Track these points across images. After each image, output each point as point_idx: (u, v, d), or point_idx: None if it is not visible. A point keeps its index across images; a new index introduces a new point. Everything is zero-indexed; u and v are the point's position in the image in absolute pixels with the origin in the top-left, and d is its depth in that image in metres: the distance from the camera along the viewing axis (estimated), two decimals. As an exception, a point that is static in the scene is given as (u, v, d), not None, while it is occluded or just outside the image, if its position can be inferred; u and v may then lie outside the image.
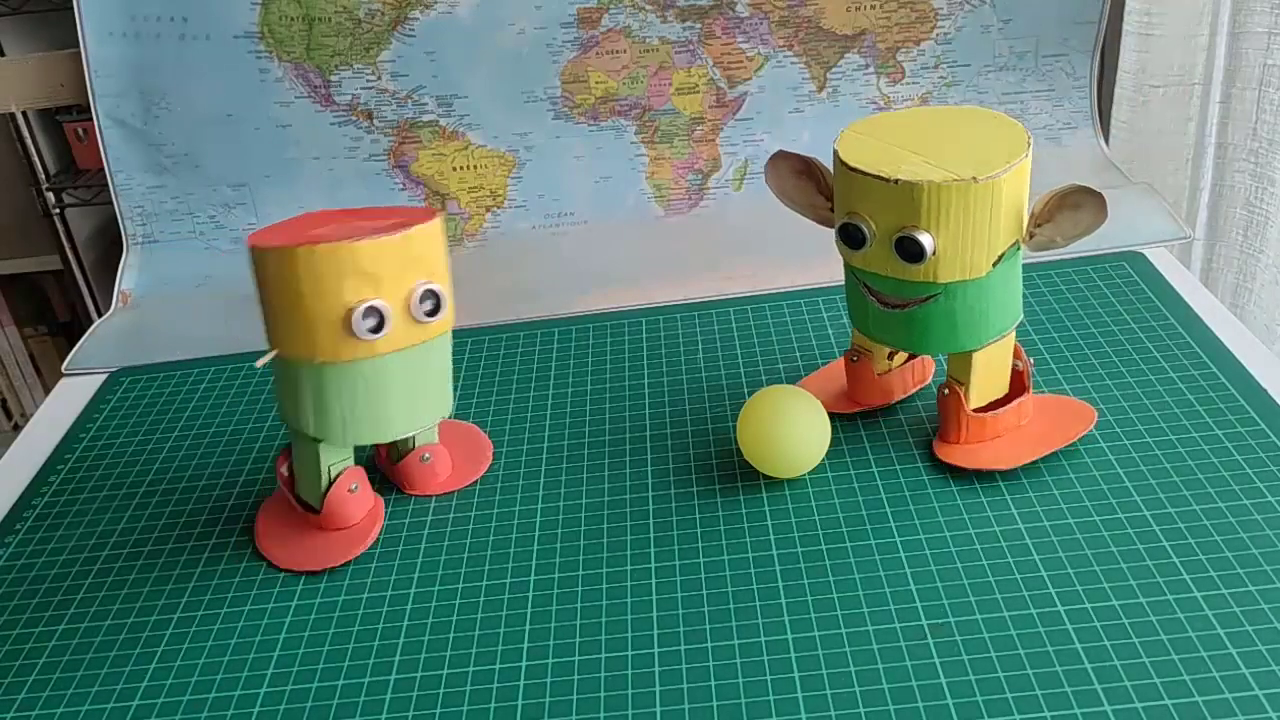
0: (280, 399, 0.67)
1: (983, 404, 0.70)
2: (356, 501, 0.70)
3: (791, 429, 0.68)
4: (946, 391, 0.70)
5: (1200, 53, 1.03)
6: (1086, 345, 0.80)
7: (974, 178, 0.60)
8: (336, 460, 0.69)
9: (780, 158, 0.70)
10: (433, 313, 0.64)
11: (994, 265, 0.63)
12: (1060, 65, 1.09)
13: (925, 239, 0.62)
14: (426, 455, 0.74)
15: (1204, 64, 1.03)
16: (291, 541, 0.70)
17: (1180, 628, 0.57)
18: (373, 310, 0.62)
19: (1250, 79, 0.99)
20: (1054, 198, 0.62)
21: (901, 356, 0.75)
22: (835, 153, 0.66)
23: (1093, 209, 0.61)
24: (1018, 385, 0.71)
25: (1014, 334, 0.69)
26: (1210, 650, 0.55)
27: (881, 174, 0.62)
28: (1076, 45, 1.08)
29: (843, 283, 0.93)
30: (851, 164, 0.64)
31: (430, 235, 0.63)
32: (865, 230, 0.64)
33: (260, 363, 0.64)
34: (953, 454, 0.70)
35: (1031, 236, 0.63)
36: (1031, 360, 0.72)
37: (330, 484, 0.69)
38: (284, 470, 0.72)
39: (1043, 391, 0.75)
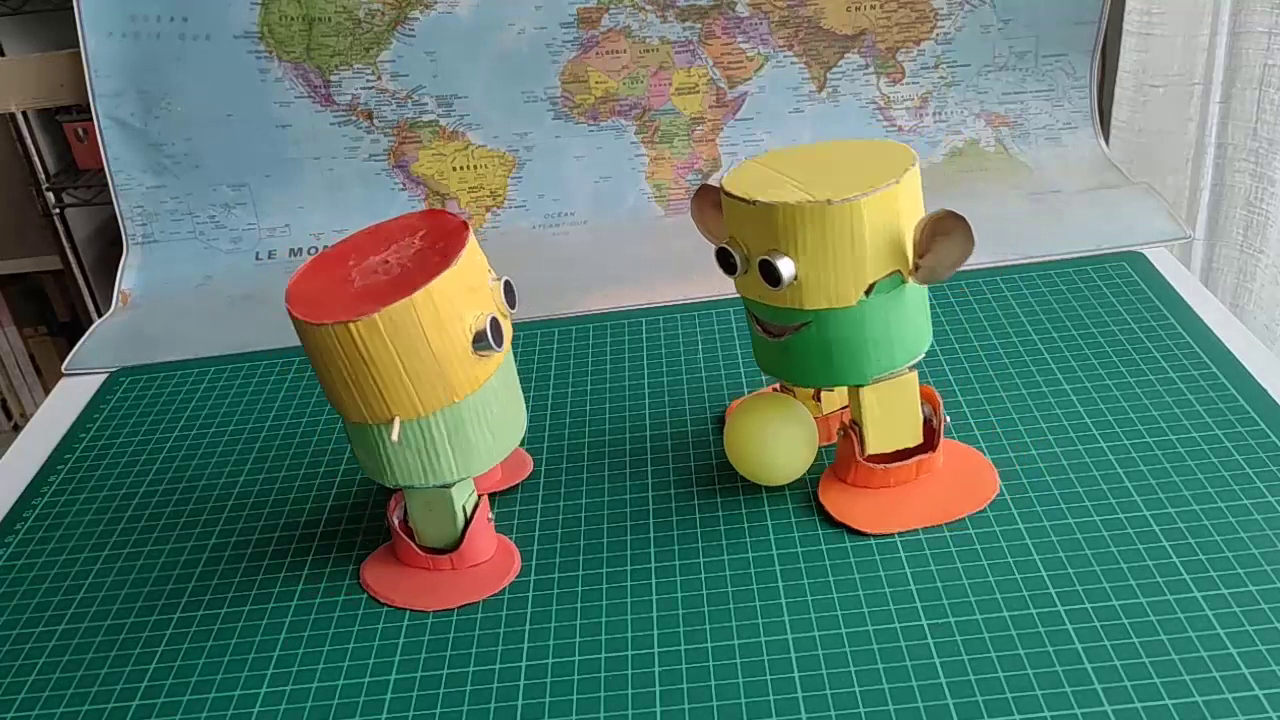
0: (392, 468, 0.62)
1: (883, 451, 0.67)
2: (490, 531, 0.68)
3: (776, 443, 0.67)
4: (841, 435, 0.68)
5: (1200, 53, 1.03)
6: (1086, 345, 0.80)
7: (828, 200, 0.59)
8: (466, 497, 0.66)
9: (703, 191, 0.68)
10: (512, 303, 0.63)
11: (866, 295, 0.61)
12: (1060, 65, 1.09)
13: (783, 263, 0.61)
14: None
15: (1204, 64, 1.03)
16: (414, 586, 0.66)
17: (1180, 628, 0.57)
18: (494, 322, 0.60)
19: (1250, 79, 0.99)
20: (927, 224, 0.60)
21: (833, 401, 0.73)
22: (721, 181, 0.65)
23: (961, 237, 0.59)
24: (929, 439, 0.68)
25: (915, 377, 0.66)
26: (1210, 650, 0.55)
27: (746, 197, 0.61)
28: (1076, 45, 1.08)
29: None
30: (727, 189, 0.63)
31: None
32: (737, 256, 0.63)
33: (395, 436, 0.60)
34: (832, 497, 0.68)
35: (916, 269, 0.61)
36: (948, 418, 0.69)
37: (468, 520, 0.66)
38: (395, 519, 0.68)
39: (953, 436, 0.70)
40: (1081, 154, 1.09)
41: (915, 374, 0.66)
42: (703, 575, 0.64)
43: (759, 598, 0.62)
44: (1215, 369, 0.76)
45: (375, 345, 0.58)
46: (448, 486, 0.64)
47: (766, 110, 1.10)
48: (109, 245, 1.26)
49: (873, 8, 1.07)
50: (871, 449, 0.67)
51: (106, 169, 1.10)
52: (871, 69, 1.09)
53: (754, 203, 0.61)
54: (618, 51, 1.08)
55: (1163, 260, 0.91)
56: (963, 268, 0.93)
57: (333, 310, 0.58)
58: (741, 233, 0.63)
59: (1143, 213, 0.99)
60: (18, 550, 0.74)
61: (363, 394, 0.60)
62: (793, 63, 1.09)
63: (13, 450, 0.87)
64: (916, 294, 0.64)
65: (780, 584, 0.63)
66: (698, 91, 1.09)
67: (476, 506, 0.66)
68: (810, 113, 1.10)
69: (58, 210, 1.25)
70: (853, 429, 0.67)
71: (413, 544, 0.67)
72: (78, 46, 1.07)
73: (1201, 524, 0.63)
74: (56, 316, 1.52)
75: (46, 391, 1.27)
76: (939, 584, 0.61)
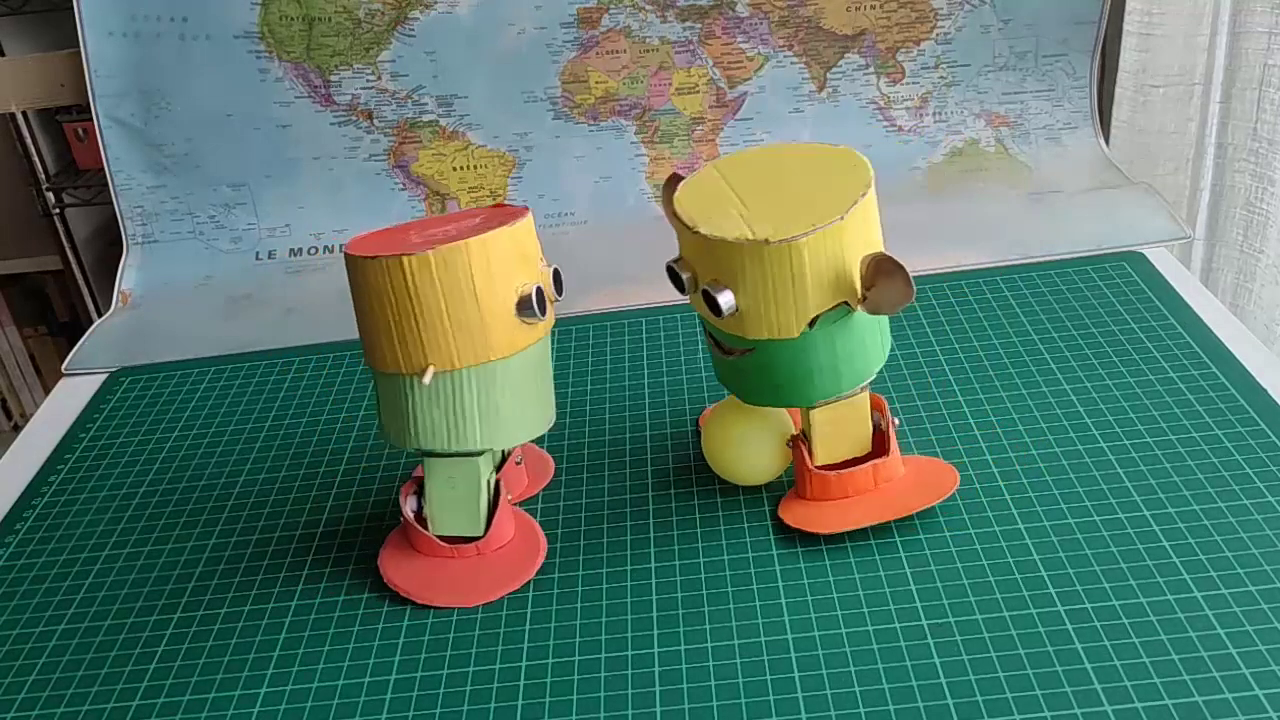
0: (416, 426, 0.62)
1: (834, 461, 0.66)
2: (510, 513, 0.67)
3: (743, 448, 0.67)
4: (791, 445, 0.68)
5: (1200, 53, 1.03)
6: (1086, 345, 0.80)
7: (766, 240, 0.58)
8: (490, 474, 0.65)
9: (671, 181, 0.67)
10: (559, 292, 0.64)
11: (810, 327, 0.61)
12: (1060, 65, 1.09)
13: (723, 295, 0.60)
14: (520, 458, 0.72)
15: (1204, 64, 1.03)
16: (443, 579, 0.65)
17: (1180, 628, 0.57)
18: (540, 291, 0.62)
19: (1250, 79, 0.99)
20: (870, 264, 0.59)
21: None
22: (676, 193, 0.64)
23: (900, 281, 0.58)
24: (880, 445, 0.67)
25: (865, 395, 0.65)
26: (1210, 650, 0.55)
27: (690, 224, 0.61)
28: (1076, 45, 1.08)
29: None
30: (676, 206, 0.62)
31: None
32: (683, 277, 0.63)
33: (427, 379, 0.60)
34: (793, 512, 0.67)
35: (863, 300, 0.60)
36: (896, 420, 0.68)
37: (494, 501, 0.65)
38: (409, 509, 0.67)
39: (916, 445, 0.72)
40: (1081, 154, 1.09)
41: (866, 392, 0.65)
42: (703, 575, 0.64)
43: (759, 597, 0.62)
44: (1215, 369, 0.76)
45: (423, 282, 0.59)
46: (471, 456, 0.63)
47: (766, 110, 1.10)
48: (109, 245, 1.26)
49: (873, 8, 1.07)
50: (820, 460, 0.67)
51: (106, 169, 1.10)
52: (871, 69, 1.09)
53: (696, 232, 0.60)
54: (618, 51, 1.08)
55: (1163, 260, 0.91)
56: (963, 267, 0.94)
57: (387, 251, 0.60)
58: (688, 254, 0.63)
59: (1143, 213, 0.99)
60: (18, 550, 0.74)
61: (402, 336, 0.61)
62: (793, 63, 1.09)
63: (13, 450, 0.87)
64: (866, 320, 0.63)
65: (780, 584, 0.63)
66: (698, 91, 1.09)
67: (497, 489, 0.66)
68: (810, 113, 1.10)
69: (58, 210, 1.25)
70: (801, 441, 0.67)
71: (429, 534, 0.66)
72: (78, 46, 1.07)
73: (1201, 524, 0.63)
74: (56, 316, 1.52)
75: (46, 391, 1.27)
76: (939, 584, 0.61)
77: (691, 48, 1.08)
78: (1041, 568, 0.61)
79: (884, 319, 0.65)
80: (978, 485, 0.68)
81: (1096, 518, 0.64)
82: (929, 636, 0.58)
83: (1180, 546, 0.62)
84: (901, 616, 0.60)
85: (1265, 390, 0.73)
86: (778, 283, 0.59)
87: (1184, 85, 1.05)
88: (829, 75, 1.09)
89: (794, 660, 0.58)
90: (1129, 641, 0.56)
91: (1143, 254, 0.92)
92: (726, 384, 0.67)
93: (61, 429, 0.88)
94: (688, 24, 1.07)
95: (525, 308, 0.61)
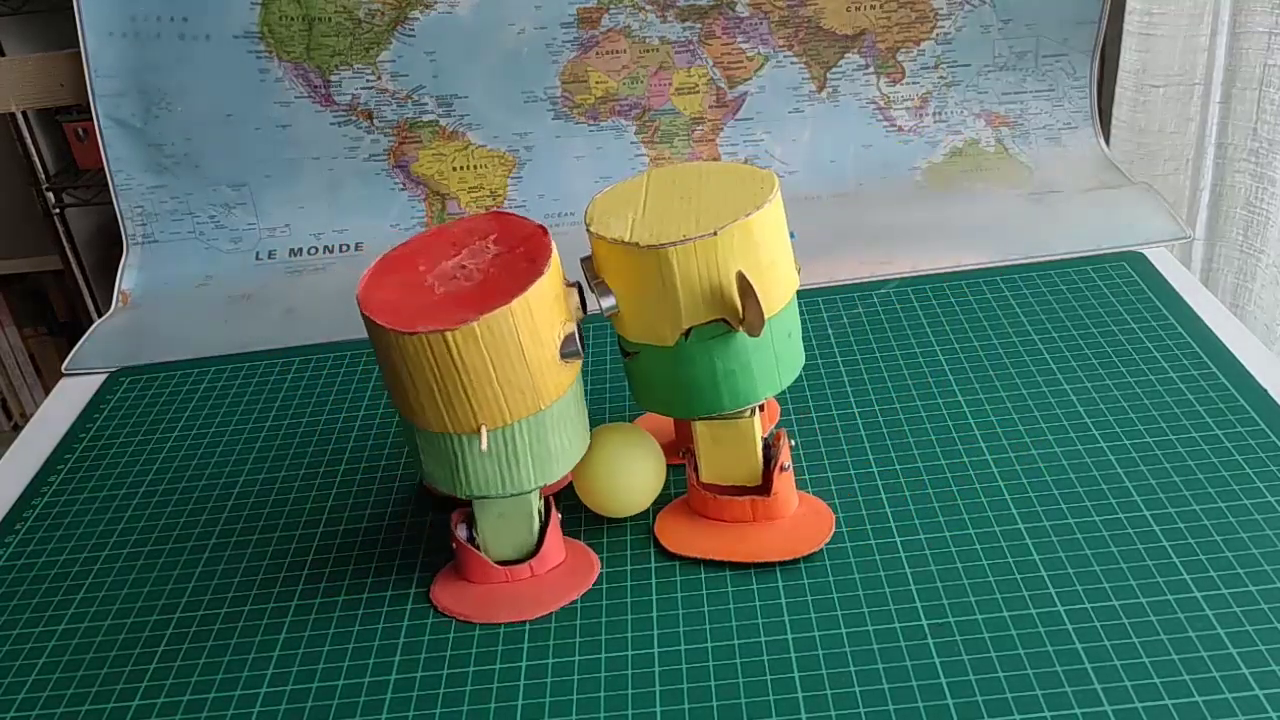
0: (468, 478, 0.61)
1: (720, 483, 0.66)
2: (560, 533, 0.67)
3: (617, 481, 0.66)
4: (683, 454, 0.68)
5: (1200, 53, 1.03)
6: (1086, 345, 0.80)
7: (636, 243, 0.59)
8: (539, 502, 0.65)
9: None
10: (584, 310, 0.63)
11: (684, 338, 0.61)
12: (1060, 65, 1.09)
13: (603, 294, 0.62)
14: None
15: (1204, 64, 1.03)
16: (499, 600, 0.64)
17: (1180, 628, 0.57)
18: (576, 328, 0.61)
19: (1250, 79, 0.99)
20: (738, 281, 0.59)
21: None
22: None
23: (752, 300, 0.58)
24: (768, 481, 0.66)
25: (753, 421, 0.64)
26: (1210, 650, 0.55)
27: (587, 220, 0.62)
28: (1076, 45, 1.08)
29: (838, 284, 0.93)
30: (592, 204, 0.64)
31: None
32: (586, 273, 0.64)
33: (484, 445, 0.59)
34: (664, 521, 0.67)
35: (741, 321, 0.60)
36: (788, 464, 0.66)
37: (544, 524, 0.65)
38: (461, 534, 0.65)
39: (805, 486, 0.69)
40: (1081, 154, 1.09)
41: (754, 418, 0.65)
42: (703, 575, 0.64)
43: (759, 597, 0.62)
44: (1215, 369, 0.76)
45: (470, 354, 0.57)
46: (524, 494, 0.63)
47: (766, 110, 1.10)
48: (109, 245, 1.26)
49: (873, 8, 1.07)
50: (704, 477, 0.67)
51: (106, 169, 1.10)
52: (871, 69, 1.09)
53: (588, 228, 0.62)
54: (618, 51, 1.08)
55: (1163, 260, 0.91)
56: (963, 268, 0.94)
57: (420, 318, 0.57)
58: (594, 251, 0.64)
59: (1143, 213, 0.99)
60: (18, 550, 0.74)
61: (448, 403, 0.58)
62: (793, 63, 1.09)
63: (13, 450, 0.87)
64: (754, 344, 0.62)
65: (780, 584, 0.63)
66: (698, 91, 1.09)
67: (547, 510, 0.66)
68: (810, 113, 1.10)
69: (58, 210, 1.25)
70: (690, 454, 0.67)
71: (486, 559, 0.65)
72: (78, 46, 1.07)
73: (1201, 524, 0.63)
74: (56, 316, 1.52)
75: (46, 391, 1.27)
76: (939, 584, 0.61)
77: (691, 48, 1.08)
78: (1041, 568, 0.61)
79: (786, 347, 0.64)
80: (978, 485, 0.68)
81: (1096, 518, 0.64)
82: (928, 636, 0.58)
83: (1180, 546, 0.62)
84: (901, 616, 0.60)
85: (1265, 390, 0.73)
86: (648, 287, 0.60)
87: (1184, 85, 1.05)
88: (829, 75, 1.09)
89: (794, 660, 0.58)
90: (1129, 641, 0.56)
91: (1143, 254, 0.92)
92: (629, 386, 0.68)
93: (61, 429, 0.88)
94: (688, 24, 1.07)
95: (569, 349, 0.60)
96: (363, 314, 0.58)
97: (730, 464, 0.66)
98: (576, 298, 0.62)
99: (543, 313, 0.58)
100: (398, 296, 0.59)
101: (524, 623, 0.63)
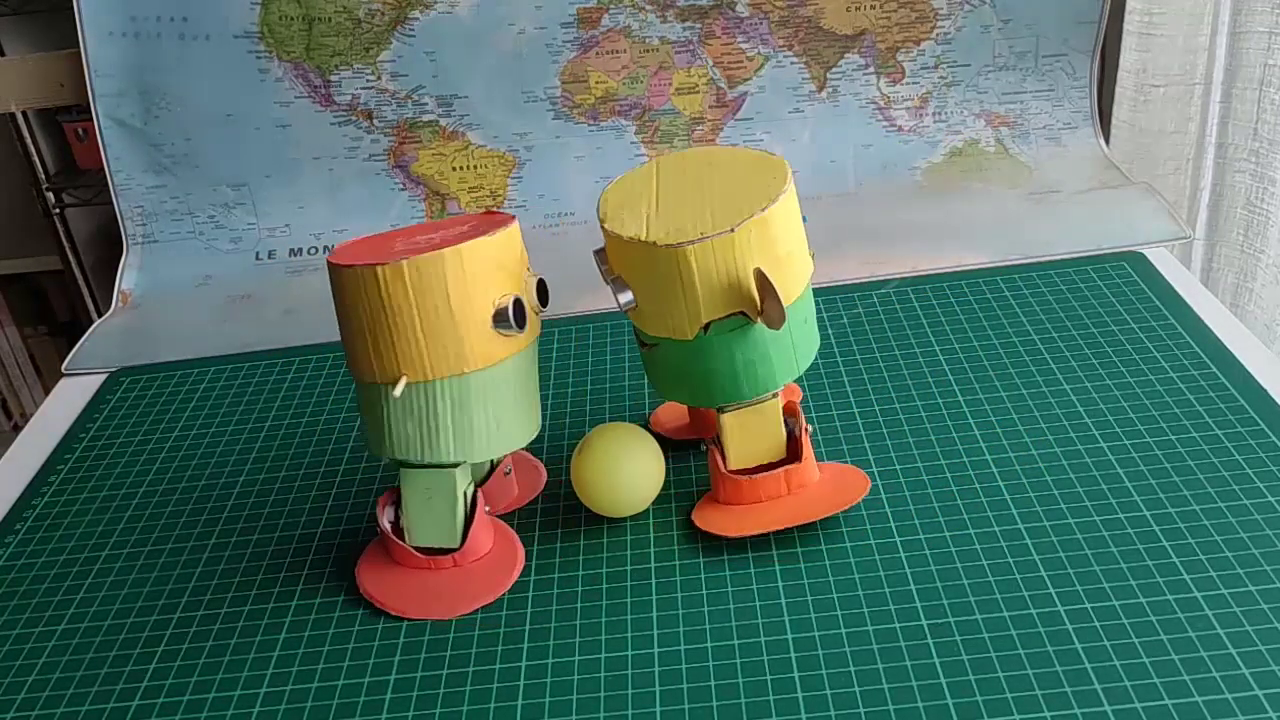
0: (391, 437, 0.62)
1: (747, 465, 0.66)
2: (488, 525, 0.67)
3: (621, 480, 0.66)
4: (705, 449, 0.68)
5: (1201, 53, 1.03)
6: (1086, 345, 0.80)
7: (654, 242, 0.59)
8: (466, 485, 0.65)
9: None
10: (544, 303, 0.64)
11: (704, 332, 0.61)
12: (1060, 65, 1.09)
13: (623, 291, 0.62)
14: (509, 468, 0.72)
15: (1204, 64, 1.03)
16: (418, 590, 0.65)
17: (1180, 628, 0.57)
18: (518, 303, 0.61)
19: (1250, 79, 0.99)
20: (756, 278, 0.59)
21: None
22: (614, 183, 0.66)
23: (772, 298, 0.58)
24: (794, 451, 0.66)
25: (776, 403, 0.65)
26: (1210, 650, 0.55)
27: (601, 215, 0.62)
28: (1076, 45, 1.08)
29: (838, 284, 0.93)
30: (603, 197, 0.63)
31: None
32: (601, 268, 0.64)
33: (398, 390, 0.60)
34: (705, 515, 0.67)
35: (760, 314, 0.60)
36: (809, 427, 0.67)
37: (470, 513, 0.65)
38: (385, 522, 0.66)
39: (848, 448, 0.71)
40: (1081, 154, 1.09)
41: (777, 399, 0.65)
42: (703, 575, 0.64)
43: (759, 597, 0.62)
44: (1215, 369, 0.76)
45: (396, 292, 0.59)
46: (446, 468, 0.63)
47: (766, 110, 1.10)
48: (109, 245, 1.26)
49: (873, 8, 1.07)
50: (733, 465, 0.67)
51: (106, 169, 1.10)
52: (871, 69, 1.09)
53: (602, 226, 0.62)
54: (618, 51, 1.08)
55: (1163, 260, 0.91)
56: (963, 267, 0.94)
57: (367, 261, 0.60)
58: (607, 247, 0.64)
59: (1143, 213, 0.99)
60: (18, 550, 0.74)
61: (376, 346, 0.60)
62: (793, 63, 1.09)
63: (13, 450, 0.87)
64: (771, 334, 0.62)
65: (780, 584, 0.63)
66: (698, 91, 1.09)
67: (474, 501, 0.66)
68: (810, 113, 1.10)
69: (58, 210, 1.25)
70: (715, 444, 0.67)
71: (407, 546, 0.66)
72: (78, 46, 1.07)
73: (1201, 524, 0.63)
74: (56, 316, 1.52)
75: (46, 391, 1.27)
76: (939, 584, 0.61)
77: (691, 48, 1.08)
78: (1041, 568, 0.61)
79: (803, 333, 0.64)
80: (978, 485, 0.68)
81: (1096, 518, 0.64)
82: (929, 636, 0.58)
83: (1180, 546, 0.62)
84: (901, 616, 0.60)
85: (1265, 390, 0.73)
86: (667, 285, 0.60)
87: (1184, 85, 1.05)
88: (829, 75, 1.09)
89: (794, 660, 0.58)
90: (1129, 641, 0.56)
91: (1143, 254, 0.92)
92: (647, 375, 0.68)
93: (61, 429, 0.88)
94: (688, 24, 1.07)
95: (501, 320, 0.60)
96: (326, 262, 0.61)
97: (755, 446, 0.66)
98: (534, 285, 0.63)
99: (478, 273, 0.60)
100: (363, 251, 0.62)
101: (450, 621, 0.63)
